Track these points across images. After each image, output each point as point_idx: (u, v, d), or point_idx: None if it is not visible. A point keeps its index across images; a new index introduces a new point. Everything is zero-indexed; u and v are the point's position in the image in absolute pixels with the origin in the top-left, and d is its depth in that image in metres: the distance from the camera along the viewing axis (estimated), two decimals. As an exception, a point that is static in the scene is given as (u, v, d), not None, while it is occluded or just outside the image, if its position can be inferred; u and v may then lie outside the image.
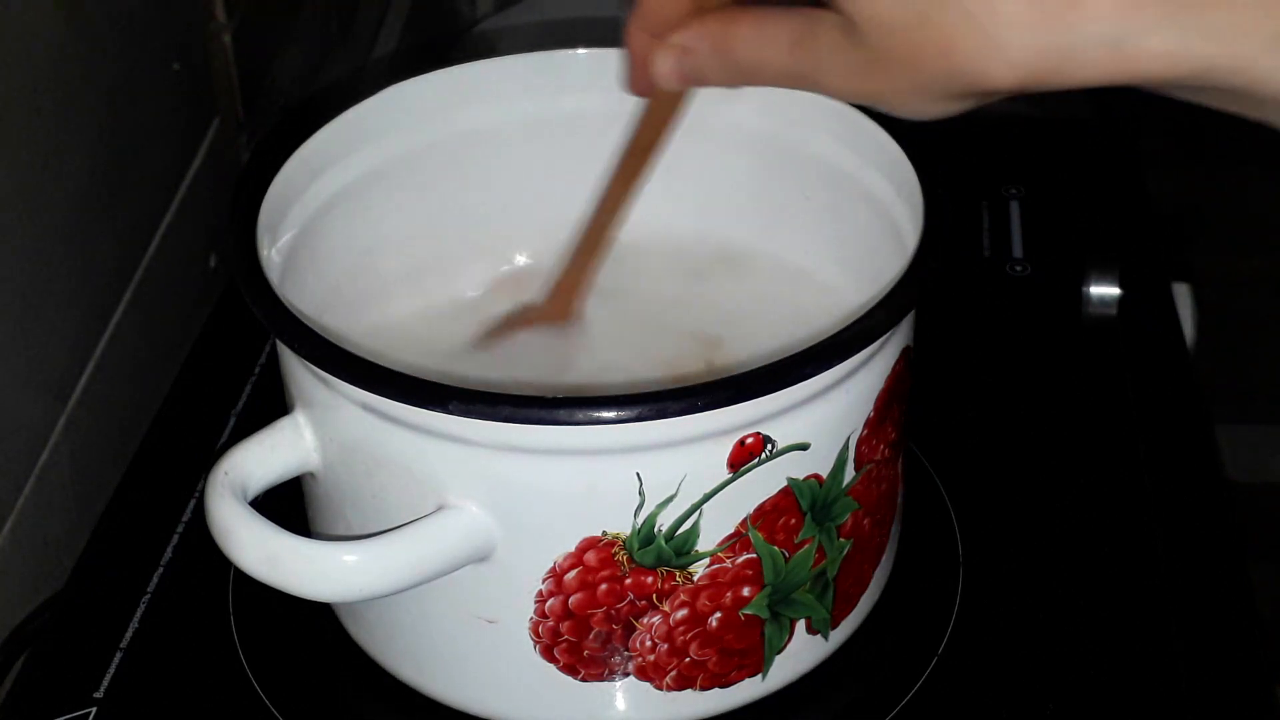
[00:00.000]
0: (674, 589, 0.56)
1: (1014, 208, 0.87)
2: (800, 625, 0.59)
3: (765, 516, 0.55)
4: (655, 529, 0.54)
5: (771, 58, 0.52)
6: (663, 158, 0.70)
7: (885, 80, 0.48)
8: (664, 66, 0.56)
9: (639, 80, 0.58)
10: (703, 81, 0.56)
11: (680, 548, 0.55)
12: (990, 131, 0.95)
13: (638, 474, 0.53)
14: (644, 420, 0.52)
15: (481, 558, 0.55)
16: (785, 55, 0.51)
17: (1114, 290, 0.79)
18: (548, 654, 0.57)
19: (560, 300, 0.65)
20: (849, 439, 0.56)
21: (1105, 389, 0.75)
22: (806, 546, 0.57)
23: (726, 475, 0.54)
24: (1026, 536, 0.68)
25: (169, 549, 0.68)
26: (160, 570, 0.67)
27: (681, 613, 0.56)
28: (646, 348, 0.66)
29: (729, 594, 0.56)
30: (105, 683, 0.63)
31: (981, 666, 0.62)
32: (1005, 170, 0.89)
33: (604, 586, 0.55)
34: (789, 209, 0.68)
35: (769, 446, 0.54)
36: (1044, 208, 0.87)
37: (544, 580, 0.55)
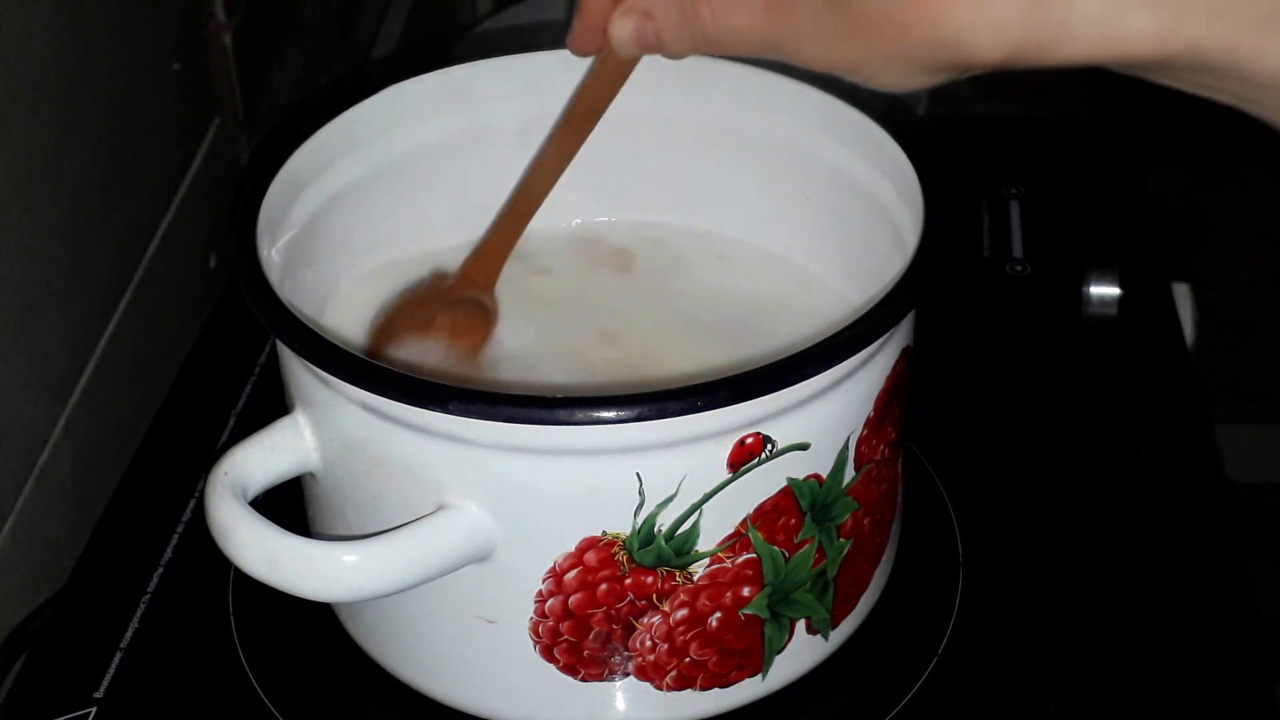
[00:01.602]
0: (674, 589, 0.56)
1: (1014, 208, 0.86)
2: (800, 625, 0.59)
3: (765, 516, 0.55)
4: (655, 529, 0.54)
5: (743, 23, 0.49)
6: (661, 158, 0.70)
7: (865, 47, 0.46)
8: (623, 31, 0.53)
9: (587, 41, 0.55)
10: (662, 49, 0.53)
11: (680, 548, 0.55)
12: (990, 131, 0.95)
13: (638, 474, 0.53)
14: (644, 420, 0.52)
15: (481, 558, 0.55)
16: (759, 19, 0.49)
17: (1114, 290, 0.79)
18: (548, 654, 0.57)
19: (481, 268, 0.64)
20: (849, 439, 0.56)
21: (1105, 389, 0.75)
22: (806, 546, 0.57)
23: (726, 475, 0.54)
24: (1026, 536, 0.68)
25: (169, 549, 0.68)
26: (160, 570, 0.67)
27: (681, 613, 0.56)
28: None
29: (729, 594, 0.56)
30: (105, 683, 0.63)
31: (981, 666, 0.62)
32: (1005, 170, 0.89)
33: (604, 586, 0.55)
34: (789, 209, 0.68)
35: (769, 446, 0.54)
36: (1044, 208, 0.87)
37: (544, 580, 0.55)
